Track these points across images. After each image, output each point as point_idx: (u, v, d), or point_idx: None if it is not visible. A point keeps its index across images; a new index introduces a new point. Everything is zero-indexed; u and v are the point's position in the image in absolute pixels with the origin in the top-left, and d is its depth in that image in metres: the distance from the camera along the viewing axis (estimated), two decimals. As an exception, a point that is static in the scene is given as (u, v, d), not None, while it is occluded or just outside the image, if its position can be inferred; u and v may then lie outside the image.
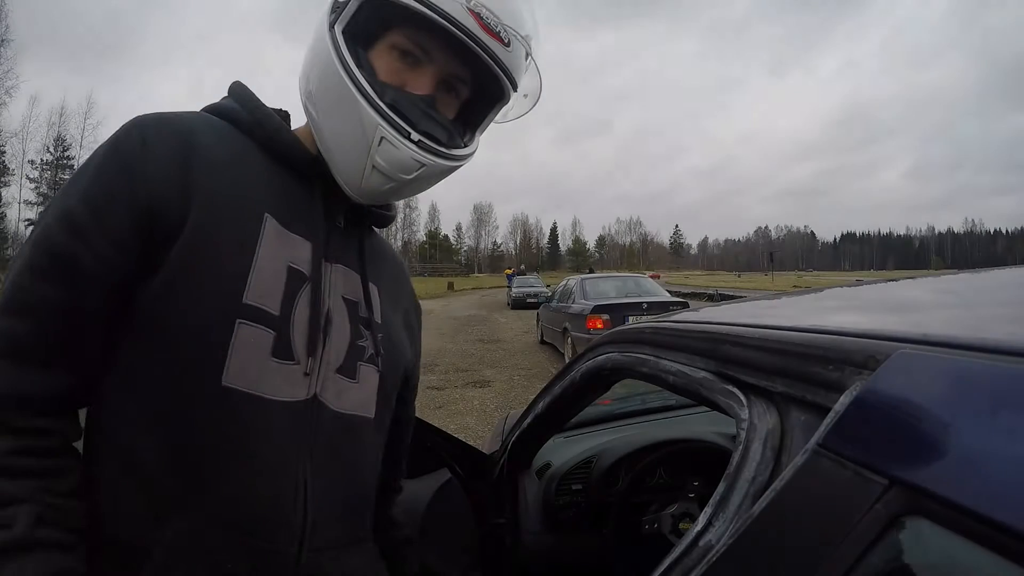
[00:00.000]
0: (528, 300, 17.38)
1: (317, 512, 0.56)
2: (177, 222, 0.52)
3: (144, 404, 0.51)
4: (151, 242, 0.52)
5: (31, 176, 48.11)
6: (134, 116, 0.56)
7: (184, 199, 0.53)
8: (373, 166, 0.57)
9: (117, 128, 0.56)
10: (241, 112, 0.61)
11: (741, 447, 0.45)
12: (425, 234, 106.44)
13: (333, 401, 0.58)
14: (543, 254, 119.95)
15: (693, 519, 1.08)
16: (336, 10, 0.57)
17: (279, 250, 0.57)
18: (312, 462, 0.56)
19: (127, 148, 0.53)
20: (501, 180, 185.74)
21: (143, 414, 0.51)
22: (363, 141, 0.56)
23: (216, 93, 0.67)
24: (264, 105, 0.63)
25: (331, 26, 0.57)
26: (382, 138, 0.55)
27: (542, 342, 9.59)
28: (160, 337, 0.51)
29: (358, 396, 0.62)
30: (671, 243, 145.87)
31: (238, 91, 0.64)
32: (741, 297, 1.66)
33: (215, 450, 0.51)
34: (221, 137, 0.58)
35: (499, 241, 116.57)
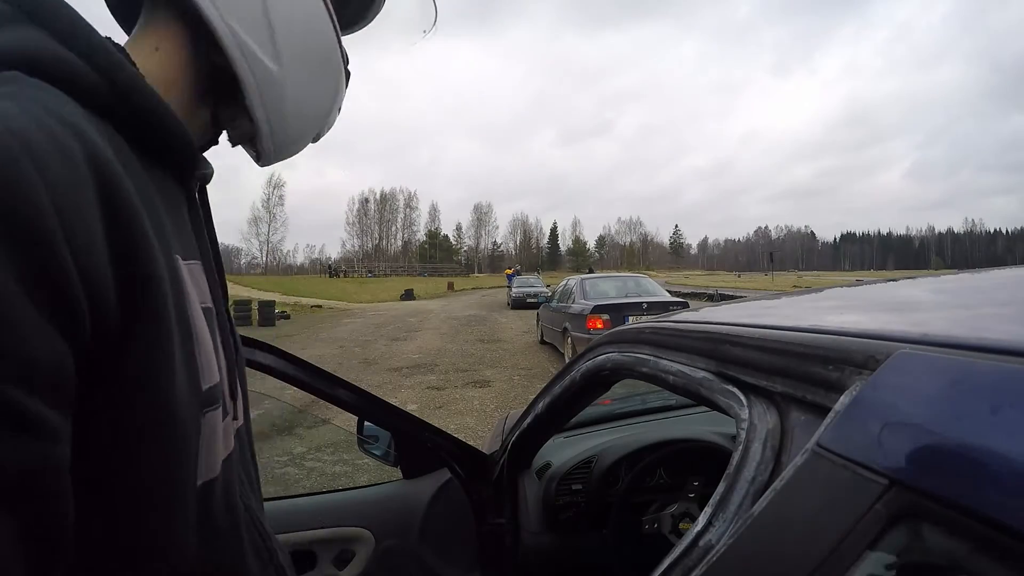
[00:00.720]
0: (528, 300, 17.43)
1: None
2: (119, 308, 0.31)
3: (106, 541, 0.34)
4: (91, 351, 0.30)
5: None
6: None
7: (122, 266, 0.31)
8: (338, 109, 0.50)
9: None
10: (83, 68, 0.34)
11: (741, 447, 0.45)
12: (425, 234, 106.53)
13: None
14: (543, 254, 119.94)
15: (693, 519, 1.08)
16: None
17: (195, 296, 0.41)
18: (248, 493, 0.51)
19: (26, 205, 0.26)
20: (501, 180, 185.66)
21: (108, 554, 0.35)
22: (336, 90, 0.48)
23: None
24: (113, 49, 0.36)
25: None
26: (345, 77, 0.49)
27: (542, 342, 9.59)
28: (123, 459, 0.34)
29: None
30: (671, 243, 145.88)
31: (51, 9, 0.35)
32: (741, 297, 1.66)
33: (204, 557, 0.41)
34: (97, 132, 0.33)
35: (499, 241, 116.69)
